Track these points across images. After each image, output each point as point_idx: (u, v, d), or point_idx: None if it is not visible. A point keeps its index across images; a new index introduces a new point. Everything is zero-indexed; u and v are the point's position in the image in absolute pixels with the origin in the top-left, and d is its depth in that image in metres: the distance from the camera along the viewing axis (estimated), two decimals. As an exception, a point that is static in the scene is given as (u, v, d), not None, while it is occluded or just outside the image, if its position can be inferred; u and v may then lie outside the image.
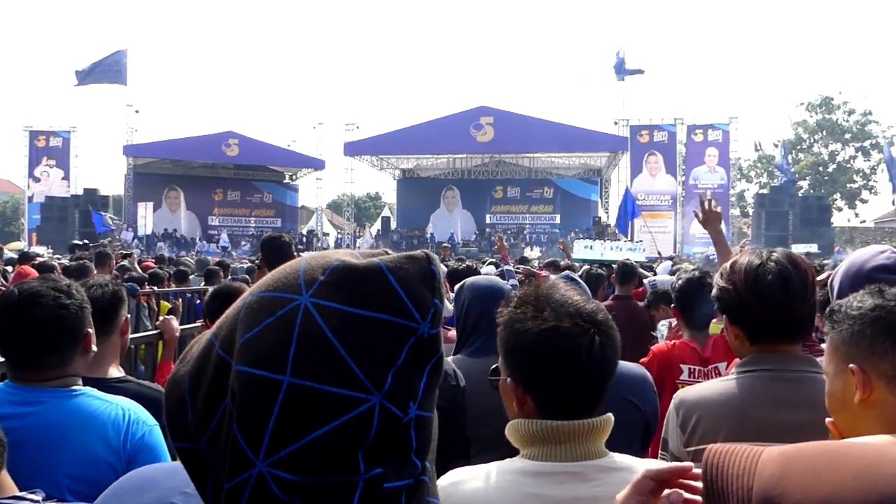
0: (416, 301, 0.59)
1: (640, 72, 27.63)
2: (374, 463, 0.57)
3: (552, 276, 6.64)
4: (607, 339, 1.27)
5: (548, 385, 1.26)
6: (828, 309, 1.29)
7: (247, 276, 8.65)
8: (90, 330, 1.76)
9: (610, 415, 1.28)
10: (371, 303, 0.58)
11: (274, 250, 3.49)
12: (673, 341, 3.15)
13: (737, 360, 2.16)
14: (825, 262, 9.87)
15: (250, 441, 0.56)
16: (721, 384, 1.67)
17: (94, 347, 1.77)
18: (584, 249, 10.99)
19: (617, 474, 1.23)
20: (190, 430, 0.61)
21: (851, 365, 1.16)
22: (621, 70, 27.54)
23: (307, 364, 0.56)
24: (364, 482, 0.56)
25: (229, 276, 8.84)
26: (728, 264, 1.69)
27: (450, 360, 2.50)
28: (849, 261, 1.78)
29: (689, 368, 2.86)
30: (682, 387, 2.67)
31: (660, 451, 1.71)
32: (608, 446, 1.30)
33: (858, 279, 1.63)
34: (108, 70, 27.59)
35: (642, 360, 2.98)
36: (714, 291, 1.72)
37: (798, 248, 16.23)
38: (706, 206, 3.02)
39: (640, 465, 1.27)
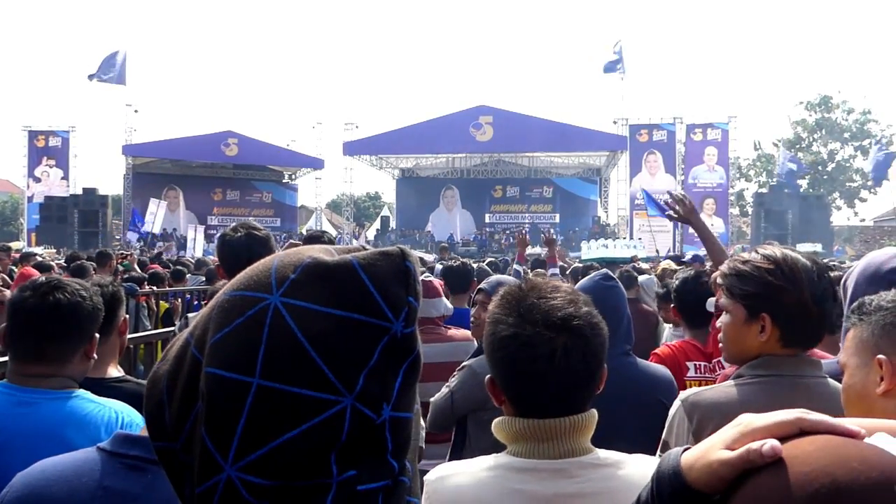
0: (389, 299, 0.57)
1: (621, 69, 27.46)
2: (347, 465, 0.55)
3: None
4: (576, 347, 1.23)
5: (514, 389, 1.28)
6: (855, 304, 1.29)
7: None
8: (97, 336, 1.79)
9: (594, 411, 1.28)
10: (341, 301, 0.56)
11: (223, 250, 2.65)
12: (675, 342, 3.16)
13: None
14: (832, 261, 9.80)
15: (219, 445, 0.54)
16: (738, 389, 1.60)
17: (95, 356, 1.80)
18: (599, 249, 10.92)
19: (602, 470, 1.25)
20: (167, 431, 0.60)
21: (879, 356, 1.17)
22: (612, 67, 27.46)
23: (277, 366, 0.54)
24: (337, 485, 0.55)
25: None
26: (776, 258, 1.60)
27: (483, 360, 2.47)
28: (864, 262, 1.75)
29: (696, 365, 2.89)
30: (691, 384, 2.66)
31: (658, 453, 1.64)
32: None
33: (875, 281, 1.61)
34: (108, 69, 27.60)
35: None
36: (752, 286, 1.60)
37: (804, 248, 16.14)
38: (677, 202, 2.97)
39: (628, 461, 1.29)
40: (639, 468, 1.27)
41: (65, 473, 1.14)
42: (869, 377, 1.19)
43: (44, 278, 1.82)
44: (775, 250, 1.65)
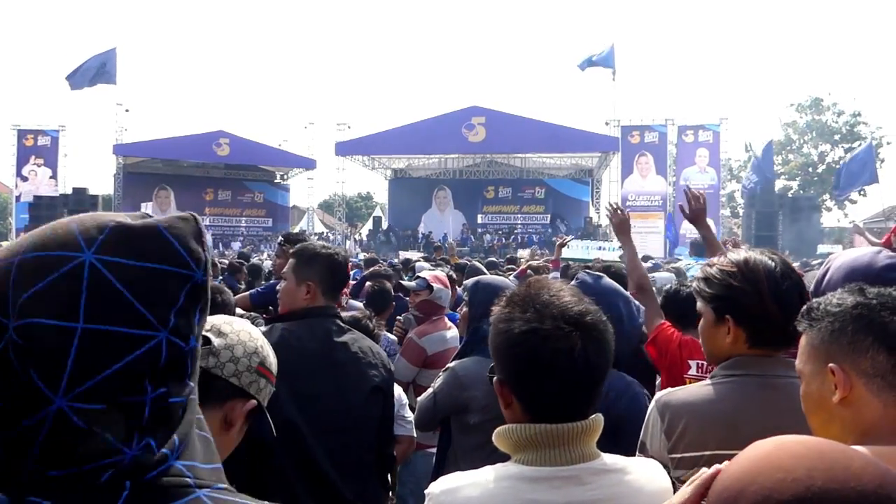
0: (191, 253, 0.71)
1: (610, 67, 27.31)
2: (158, 384, 0.68)
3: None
4: (592, 343, 1.23)
5: (529, 388, 1.24)
6: (804, 307, 1.25)
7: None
8: None
9: (600, 415, 1.26)
10: (152, 256, 0.69)
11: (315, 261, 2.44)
12: (678, 338, 3.13)
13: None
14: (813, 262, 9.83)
15: (48, 382, 0.64)
16: (708, 389, 1.62)
17: None
18: (569, 249, 11.08)
19: (611, 476, 1.23)
20: None
21: (831, 364, 1.14)
22: (589, 62, 27.31)
23: (99, 311, 0.65)
24: (151, 400, 0.68)
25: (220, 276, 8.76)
26: (738, 262, 1.61)
27: (467, 363, 2.43)
28: (847, 265, 1.69)
29: (697, 364, 2.86)
30: (690, 381, 2.64)
31: (637, 454, 1.66)
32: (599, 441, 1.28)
33: (868, 281, 1.57)
34: (98, 71, 27.34)
35: (651, 334, 2.89)
36: (717, 289, 1.63)
37: (822, 248, 16.03)
38: (692, 202, 2.99)
39: (633, 466, 1.27)
40: (644, 473, 1.27)
41: None
42: (824, 385, 1.16)
43: None
44: (742, 253, 1.65)
